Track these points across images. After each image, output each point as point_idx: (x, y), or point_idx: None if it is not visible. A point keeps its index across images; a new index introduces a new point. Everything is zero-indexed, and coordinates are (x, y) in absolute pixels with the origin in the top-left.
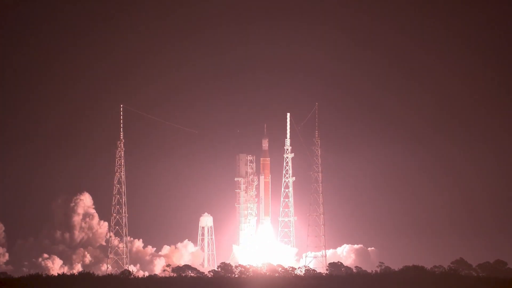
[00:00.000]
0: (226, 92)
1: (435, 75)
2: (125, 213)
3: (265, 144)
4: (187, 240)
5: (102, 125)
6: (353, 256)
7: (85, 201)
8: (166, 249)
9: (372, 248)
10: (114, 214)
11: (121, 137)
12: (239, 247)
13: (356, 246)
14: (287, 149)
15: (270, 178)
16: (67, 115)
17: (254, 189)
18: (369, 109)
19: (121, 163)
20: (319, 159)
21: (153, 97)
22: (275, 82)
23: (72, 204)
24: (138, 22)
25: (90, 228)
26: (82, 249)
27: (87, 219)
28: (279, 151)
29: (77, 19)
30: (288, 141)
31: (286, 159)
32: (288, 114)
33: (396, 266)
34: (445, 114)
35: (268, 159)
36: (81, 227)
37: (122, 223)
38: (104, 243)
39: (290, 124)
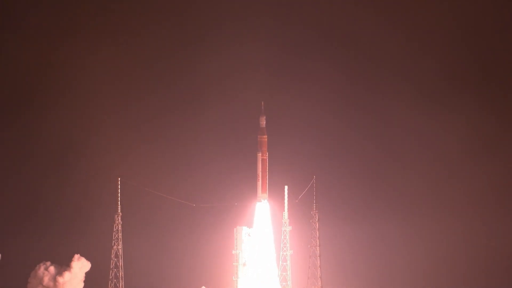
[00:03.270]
0: (223, 165)
1: (436, 146)
2: (122, 287)
3: (262, 121)
4: None
5: (100, 197)
6: None
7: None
8: None
9: None
10: None
11: (119, 211)
12: None
13: None
14: (285, 222)
15: (267, 155)
16: (63, 187)
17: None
18: (367, 182)
19: (118, 236)
20: (317, 232)
21: (150, 169)
22: (272, 155)
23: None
24: (132, 97)
25: None
26: None
27: None
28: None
29: (73, 83)
30: (285, 214)
31: (283, 232)
32: (286, 187)
33: None
34: (445, 184)
35: (265, 136)
36: None
37: None
38: None
39: (288, 197)
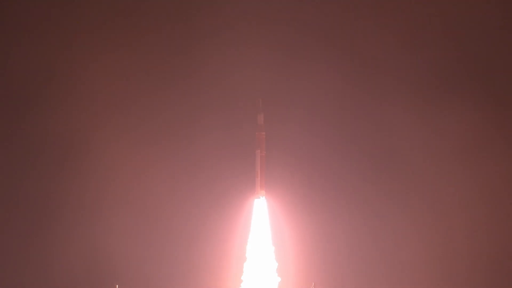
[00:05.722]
0: (222, 258)
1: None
2: None
3: (260, 119)
4: None
5: None
6: None
7: None
8: None
9: None
10: None
11: None
12: None
13: None
14: None
15: (265, 152)
16: None
17: None
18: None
19: None
20: None
21: (149, 266)
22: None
23: None
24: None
25: None
26: None
27: None
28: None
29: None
30: None
31: None
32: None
33: None
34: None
35: (264, 133)
36: None
37: None
38: None
39: None
